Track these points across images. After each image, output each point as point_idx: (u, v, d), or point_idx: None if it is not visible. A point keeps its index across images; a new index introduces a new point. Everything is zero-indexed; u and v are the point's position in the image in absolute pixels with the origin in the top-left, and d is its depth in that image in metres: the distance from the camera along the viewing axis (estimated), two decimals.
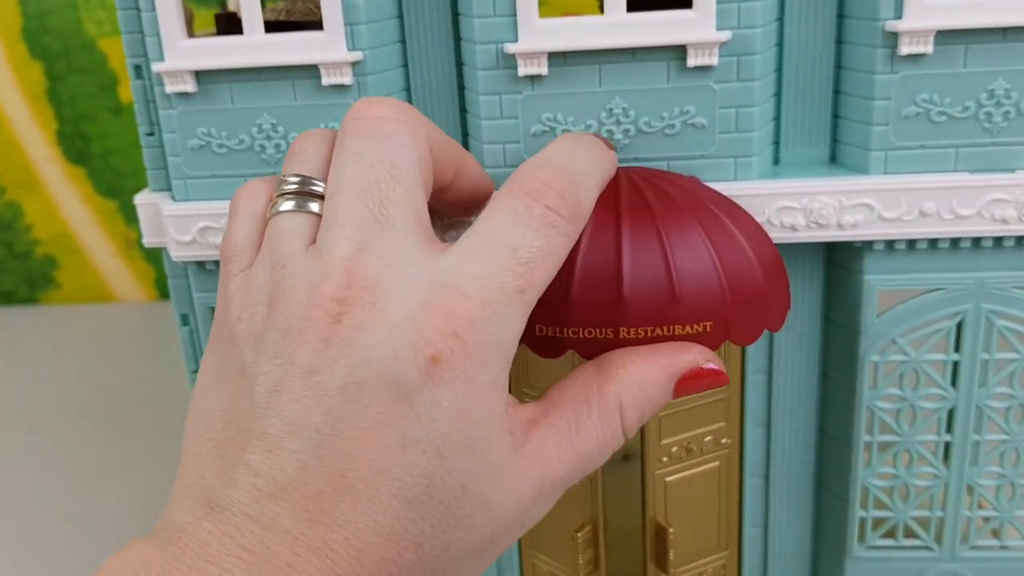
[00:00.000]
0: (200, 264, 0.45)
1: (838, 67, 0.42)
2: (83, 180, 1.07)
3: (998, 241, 0.41)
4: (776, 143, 0.43)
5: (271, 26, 0.42)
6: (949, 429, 0.45)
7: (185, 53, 0.42)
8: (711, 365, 0.35)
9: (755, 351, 0.46)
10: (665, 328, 0.37)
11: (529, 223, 0.31)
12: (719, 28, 0.39)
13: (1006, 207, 0.40)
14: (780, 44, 0.42)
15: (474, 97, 0.42)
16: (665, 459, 0.46)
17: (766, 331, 0.43)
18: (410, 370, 0.28)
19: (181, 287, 0.48)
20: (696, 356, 0.35)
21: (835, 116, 0.43)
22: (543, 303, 0.37)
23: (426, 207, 0.32)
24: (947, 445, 0.45)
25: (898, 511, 0.46)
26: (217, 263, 0.45)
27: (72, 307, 1.12)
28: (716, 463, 0.48)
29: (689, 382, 0.35)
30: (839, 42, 0.41)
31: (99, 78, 1.03)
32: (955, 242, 0.41)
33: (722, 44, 0.39)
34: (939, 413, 0.44)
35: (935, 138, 0.40)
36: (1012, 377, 0.43)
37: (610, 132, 0.41)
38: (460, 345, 0.29)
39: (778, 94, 0.42)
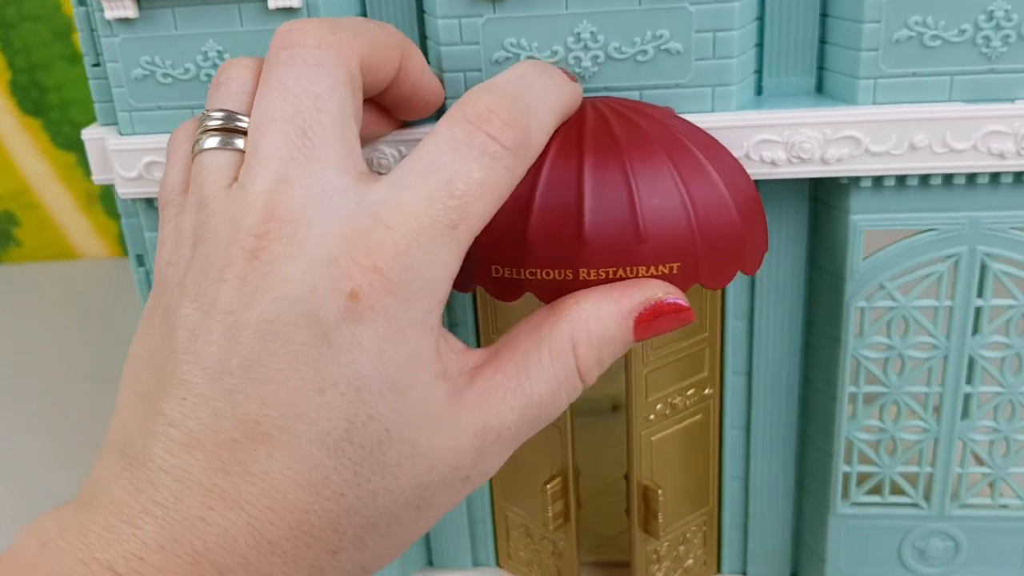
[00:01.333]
0: (148, 201, 0.43)
1: None
2: (40, 132, 1.03)
3: (995, 177, 0.38)
4: (759, 71, 0.40)
5: None
6: (940, 380, 0.42)
7: None
8: (671, 299, 0.33)
9: (735, 296, 0.43)
10: (628, 269, 0.34)
11: (468, 152, 0.29)
12: None
13: (1004, 140, 0.37)
14: None
15: (433, 21, 0.39)
16: (652, 417, 0.44)
17: (744, 275, 0.40)
18: (327, 306, 0.26)
19: (134, 226, 0.46)
20: (654, 290, 0.33)
21: (822, 42, 0.39)
22: (499, 242, 0.35)
23: (356, 136, 0.30)
24: (938, 397, 0.42)
25: (884, 466, 0.44)
26: None
27: (33, 265, 1.08)
28: (700, 416, 0.46)
29: (649, 321, 0.33)
30: None
31: (53, 24, 0.98)
32: (948, 179, 0.38)
33: None
34: (930, 363, 0.42)
35: (928, 65, 0.37)
36: (1008, 325, 0.41)
37: (578, 59, 0.38)
38: (381, 280, 0.27)
39: (760, 18, 0.39)
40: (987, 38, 0.36)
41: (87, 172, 1.03)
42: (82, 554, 0.25)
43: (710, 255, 0.35)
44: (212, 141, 0.31)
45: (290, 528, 0.26)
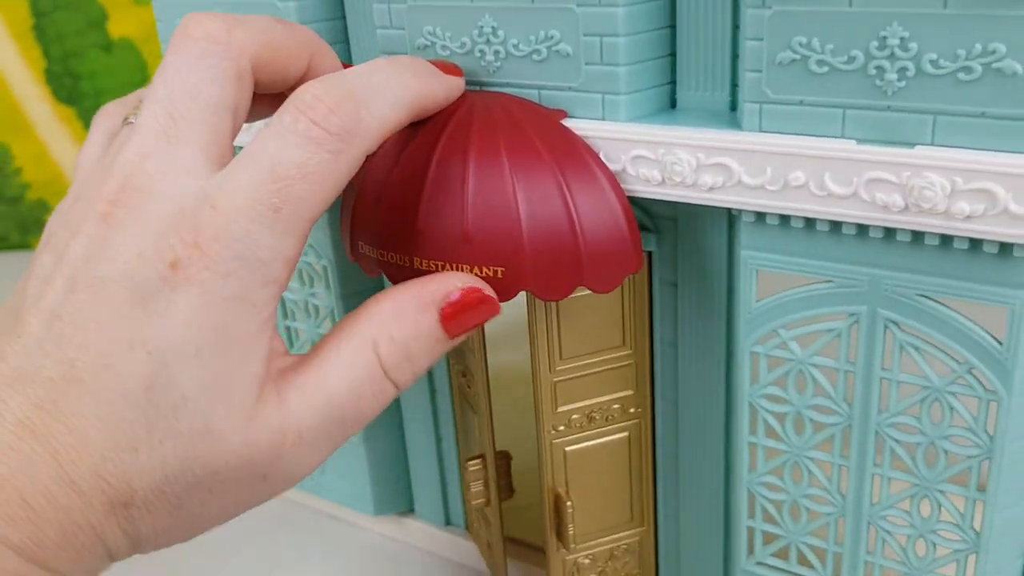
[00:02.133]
0: None
1: None
2: (74, 120, 1.01)
3: (889, 232, 0.33)
4: (672, 83, 0.37)
5: None
6: (845, 453, 0.37)
7: None
8: (470, 287, 0.33)
9: (661, 316, 0.41)
10: (454, 265, 0.35)
11: (291, 138, 0.30)
12: None
13: (890, 190, 0.31)
14: None
15: (368, 4, 0.41)
16: (562, 427, 0.43)
17: (669, 285, 0.39)
18: (149, 272, 0.29)
19: None
20: (450, 282, 0.34)
21: (735, 56, 0.36)
22: (364, 221, 0.37)
23: (228, 126, 0.33)
24: (845, 470, 0.37)
25: (788, 531, 0.39)
26: None
27: None
28: (625, 433, 0.44)
29: (457, 314, 0.34)
30: None
31: (87, 13, 0.96)
32: (836, 226, 0.33)
33: None
34: (832, 430, 0.37)
35: (816, 93, 0.32)
36: (922, 407, 0.34)
37: (483, 52, 0.39)
38: (199, 255, 0.29)
39: (673, 26, 0.37)
40: (880, 68, 0.31)
41: None
42: None
43: (539, 265, 0.34)
44: (133, 117, 0.35)
45: (89, 469, 0.28)
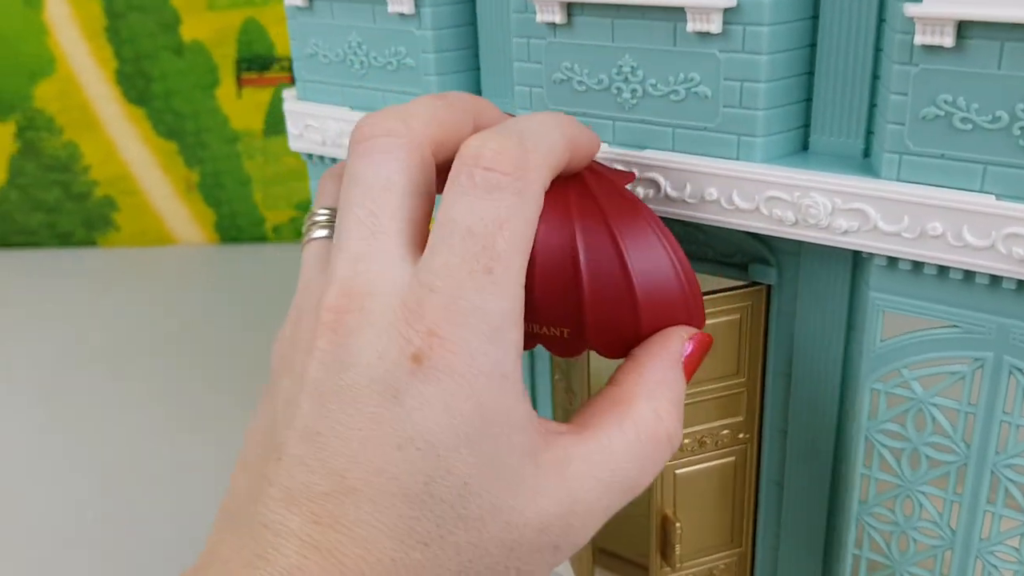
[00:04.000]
0: (309, 155, 0.53)
1: (878, 49, 0.36)
2: (142, 120, 1.04)
3: (1021, 284, 0.34)
4: (805, 127, 0.39)
5: None
6: (959, 490, 0.38)
7: None
8: (693, 334, 0.35)
9: (776, 347, 0.43)
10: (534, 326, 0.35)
11: (473, 192, 0.30)
12: None
13: None
14: (815, 17, 0.37)
15: (510, 39, 0.43)
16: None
17: (783, 329, 0.40)
18: (395, 370, 0.28)
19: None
20: (681, 335, 0.35)
21: (872, 106, 0.37)
22: None
23: (423, 211, 0.32)
24: (956, 506, 0.39)
25: (894, 561, 0.41)
26: (321, 157, 0.52)
27: (131, 249, 1.09)
28: (732, 458, 0.46)
29: (693, 363, 0.35)
30: (881, 20, 0.36)
31: (160, 16, 0.99)
32: (969, 275, 0.35)
33: (726, 10, 0.36)
34: (948, 467, 0.38)
35: (958, 148, 0.34)
36: None
37: (619, 89, 0.40)
38: (438, 342, 0.29)
39: (811, 73, 0.38)
40: None
41: (187, 160, 1.06)
42: None
43: (600, 326, 0.35)
44: (313, 233, 0.35)
45: (378, 574, 0.27)
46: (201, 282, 1.02)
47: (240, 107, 1.03)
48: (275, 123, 1.04)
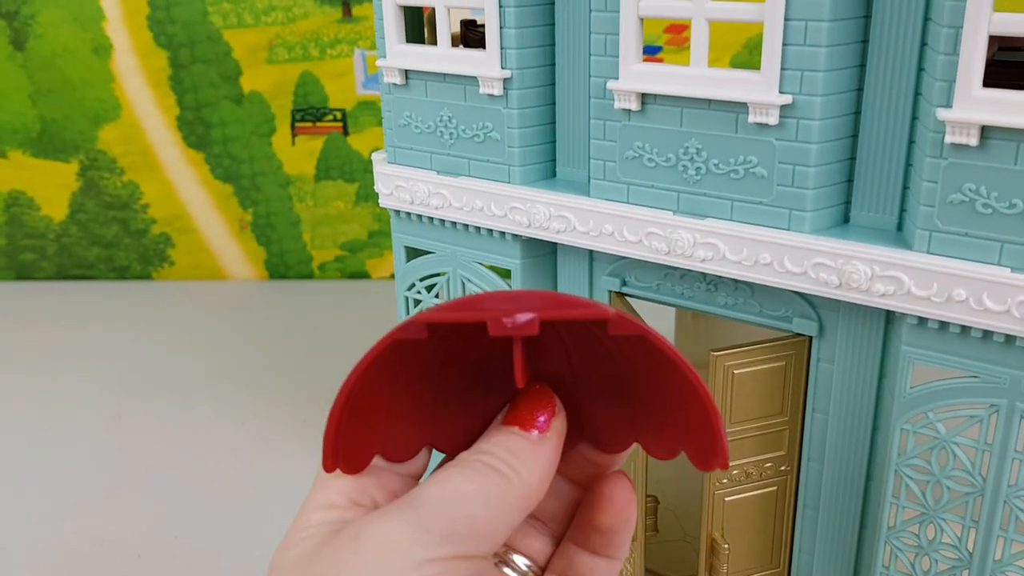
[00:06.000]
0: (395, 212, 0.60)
1: (911, 142, 0.43)
2: (201, 164, 1.11)
3: None
4: (847, 203, 0.46)
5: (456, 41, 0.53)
6: (976, 517, 0.44)
7: (398, 55, 0.55)
8: None
9: (815, 390, 0.49)
10: None
11: None
12: (782, 92, 0.43)
13: None
14: (858, 113, 0.44)
15: (586, 119, 0.50)
16: (725, 480, 0.51)
17: (827, 364, 0.46)
18: None
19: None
20: None
21: (905, 188, 0.44)
22: None
23: None
24: (974, 531, 0.45)
25: None
26: (408, 214, 0.59)
27: (184, 283, 1.15)
28: (774, 487, 0.52)
29: None
30: (914, 118, 0.43)
31: (222, 68, 1.06)
32: (987, 334, 0.41)
33: (783, 106, 0.43)
34: (967, 498, 0.44)
35: (980, 228, 0.40)
36: None
37: (685, 167, 0.47)
38: None
39: (853, 159, 0.45)
40: None
41: (242, 202, 1.13)
42: None
43: None
44: None
45: None
46: (251, 315, 1.08)
47: (294, 154, 1.10)
48: (326, 169, 1.10)
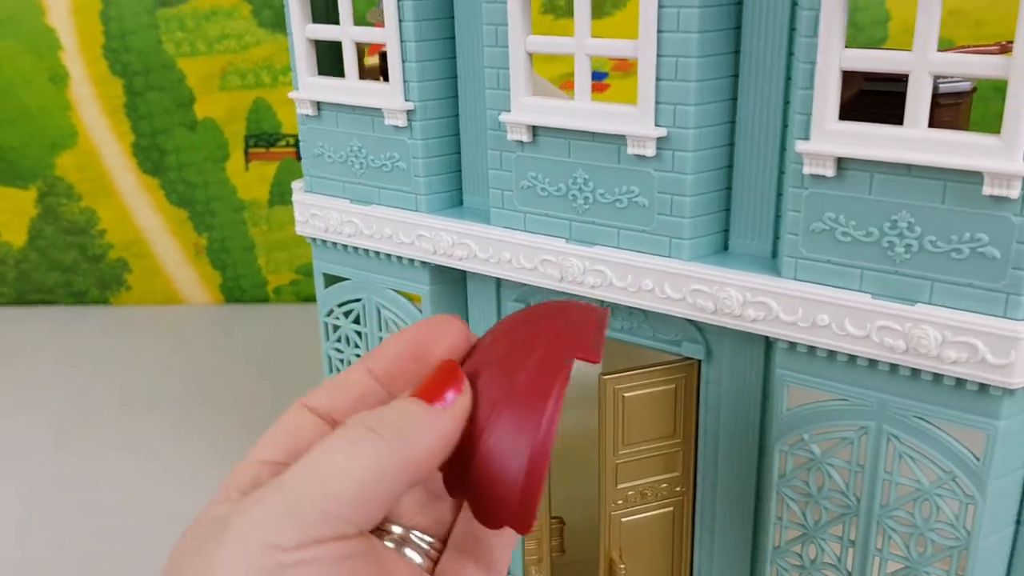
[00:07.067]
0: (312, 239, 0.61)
1: (782, 172, 0.45)
2: (156, 190, 1.13)
3: (894, 367, 0.42)
4: (726, 231, 0.47)
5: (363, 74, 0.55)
6: (853, 537, 0.46)
7: (309, 87, 0.57)
8: None
9: (706, 411, 0.50)
10: None
11: None
12: (658, 124, 0.45)
13: (895, 336, 0.41)
14: (731, 144, 0.46)
15: (482, 152, 0.51)
16: (620, 502, 0.52)
17: (715, 387, 0.47)
18: None
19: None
20: None
21: (778, 216, 0.45)
22: None
23: None
24: (852, 551, 0.46)
25: None
26: (324, 241, 0.60)
27: (141, 308, 1.17)
28: (670, 508, 0.53)
29: None
30: (783, 149, 0.44)
31: (176, 95, 1.08)
32: (852, 358, 0.43)
33: (659, 138, 0.45)
34: (843, 518, 0.46)
35: (841, 256, 0.42)
36: (915, 504, 0.43)
37: (574, 196, 0.48)
38: None
39: (729, 188, 0.46)
40: (891, 243, 0.40)
41: (196, 227, 1.15)
42: None
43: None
44: None
45: None
46: (206, 339, 1.09)
47: (247, 179, 1.12)
48: (280, 194, 1.12)
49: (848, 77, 0.42)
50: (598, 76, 1.06)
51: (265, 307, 1.17)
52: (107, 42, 1.08)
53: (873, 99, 0.45)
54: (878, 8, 0.91)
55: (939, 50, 0.38)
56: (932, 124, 0.46)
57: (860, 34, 0.92)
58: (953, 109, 0.47)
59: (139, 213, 1.15)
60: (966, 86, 0.47)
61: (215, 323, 1.14)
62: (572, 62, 0.46)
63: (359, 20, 0.55)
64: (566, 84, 1.00)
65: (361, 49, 0.58)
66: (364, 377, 0.29)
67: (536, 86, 0.63)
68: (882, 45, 0.94)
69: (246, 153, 1.11)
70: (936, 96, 0.46)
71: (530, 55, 0.48)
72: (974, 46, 0.48)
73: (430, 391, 0.27)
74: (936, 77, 0.39)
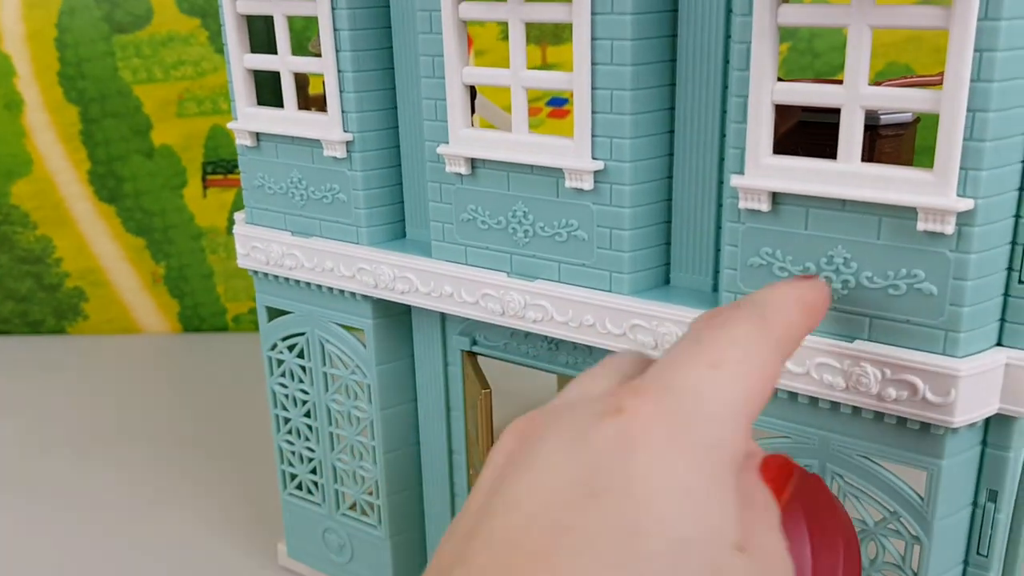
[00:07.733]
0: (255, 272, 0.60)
1: (720, 205, 0.44)
2: (113, 218, 1.11)
3: (835, 405, 0.41)
4: (668, 265, 0.46)
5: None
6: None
7: (247, 118, 0.55)
8: None
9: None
10: None
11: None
12: (595, 158, 0.44)
13: (834, 374, 0.40)
14: (670, 178, 0.45)
15: (423, 184, 0.50)
16: None
17: None
18: None
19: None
20: None
21: (718, 250, 0.45)
22: None
23: None
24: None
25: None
26: (265, 274, 0.59)
27: (99, 337, 1.15)
28: None
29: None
30: (720, 183, 0.43)
31: (132, 122, 1.07)
32: (793, 395, 0.42)
33: (596, 172, 0.44)
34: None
35: None
36: (860, 544, 0.42)
37: (515, 229, 0.47)
38: None
39: (669, 222, 0.45)
40: (828, 279, 0.40)
41: (154, 255, 1.13)
42: None
43: None
44: None
45: None
46: (164, 369, 1.07)
47: (205, 206, 1.10)
48: None
49: (785, 109, 0.41)
50: (559, 102, 1.05)
51: (224, 336, 1.15)
52: (62, 68, 1.06)
53: (813, 130, 0.44)
54: (835, 35, 0.91)
55: (898, 76, 0.37)
56: (874, 155, 0.46)
57: (817, 60, 0.92)
58: (894, 140, 0.46)
59: (96, 241, 1.13)
60: (908, 117, 0.46)
61: (173, 352, 1.12)
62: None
63: (299, 50, 0.54)
64: (536, 110, 1.00)
65: (308, 78, 0.57)
66: None
67: (487, 113, 0.63)
68: (840, 72, 0.94)
69: (204, 180, 1.10)
70: (877, 127, 0.46)
71: (467, 87, 0.47)
72: (928, 75, 0.47)
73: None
74: (877, 109, 0.38)
